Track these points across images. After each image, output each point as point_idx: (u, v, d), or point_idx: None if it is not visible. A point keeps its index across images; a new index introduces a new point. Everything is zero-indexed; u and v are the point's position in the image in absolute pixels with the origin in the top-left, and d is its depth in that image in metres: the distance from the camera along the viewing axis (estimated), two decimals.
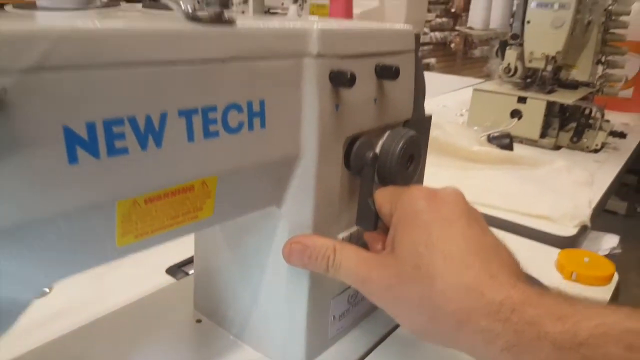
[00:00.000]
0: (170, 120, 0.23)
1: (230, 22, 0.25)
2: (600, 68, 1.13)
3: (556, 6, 0.96)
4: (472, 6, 1.54)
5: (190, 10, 0.23)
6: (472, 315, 0.24)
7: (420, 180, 0.43)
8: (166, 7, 0.73)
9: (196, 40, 0.23)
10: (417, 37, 0.38)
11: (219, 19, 0.24)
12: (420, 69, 0.40)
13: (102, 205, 0.22)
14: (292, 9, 1.26)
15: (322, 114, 0.30)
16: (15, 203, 0.19)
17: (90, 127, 0.20)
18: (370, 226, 0.34)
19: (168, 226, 0.25)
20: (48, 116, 0.19)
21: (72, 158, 0.20)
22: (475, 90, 1.05)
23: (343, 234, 0.36)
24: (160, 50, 0.22)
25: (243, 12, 0.47)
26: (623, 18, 1.09)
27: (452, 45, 4.72)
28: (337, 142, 0.32)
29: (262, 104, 0.27)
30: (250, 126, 0.27)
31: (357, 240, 0.37)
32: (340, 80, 0.30)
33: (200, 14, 0.24)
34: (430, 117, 0.43)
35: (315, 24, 0.29)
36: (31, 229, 0.20)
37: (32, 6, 0.64)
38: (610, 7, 1.06)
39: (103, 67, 0.20)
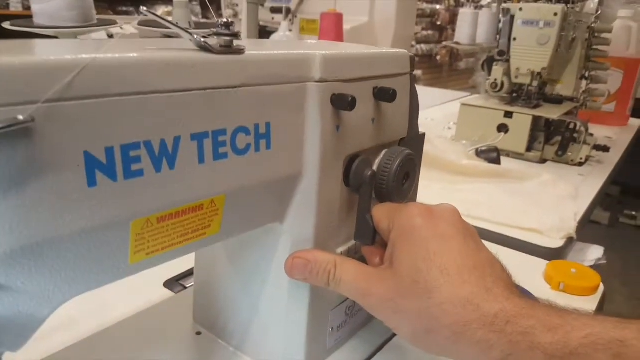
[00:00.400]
0: (183, 144, 0.24)
1: (240, 51, 0.26)
2: (584, 83, 1.17)
3: (541, 24, 0.99)
4: (458, 22, 1.59)
5: (202, 40, 0.24)
6: (468, 327, 0.26)
7: (414, 195, 0.45)
8: (161, 26, 0.74)
9: (208, 69, 0.24)
10: (412, 59, 0.40)
11: (229, 48, 0.25)
12: (414, 89, 0.42)
13: (118, 225, 0.23)
14: (284, 25, 1.29)
15: (323, 134, 0.32)
16: (37, 223, 0.20)
17: (109, 152, 0.21)
18: (369, 241, 0.35)
19: (178, 244, 0.26)
20: (70, 142, 0.20)
21: (92, 181, 0.21)
22: (463, 104, 1.08)
23: (342, 248, 0.37)
24: (175, 79, 0.23)
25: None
26: (605, 35, 1.13)
27: (438, 57, 4.80)
28: (337, 161, 0.34)
29: (267, 126, 0.28)
30: (257, 148, 0.28)
31: (355, 254, 0.38)
32: (341, 103, 0.31)
33: (211, 43, 0.25)
34: (423, 135, 0.44)
35: (318, 50, 0.31)
36: (51, 248, 0.21)
37: (30, 23, 0.64)
38: (593, 25, 1.10)
39: (121, 96, 0.21)
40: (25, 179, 0.19)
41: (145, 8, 0.23)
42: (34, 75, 0.19)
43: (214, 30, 0.26)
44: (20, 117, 0.18)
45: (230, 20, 0.25)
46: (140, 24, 0.70)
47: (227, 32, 0.25)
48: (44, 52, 0.21)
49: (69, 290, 0.23)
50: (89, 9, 0.63)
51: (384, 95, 0.35)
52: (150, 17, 0.23)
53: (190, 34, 0.24)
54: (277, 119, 0.29)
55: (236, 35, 0.26)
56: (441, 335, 0.27)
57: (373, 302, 0.30)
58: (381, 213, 0.34)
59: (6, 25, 0.61)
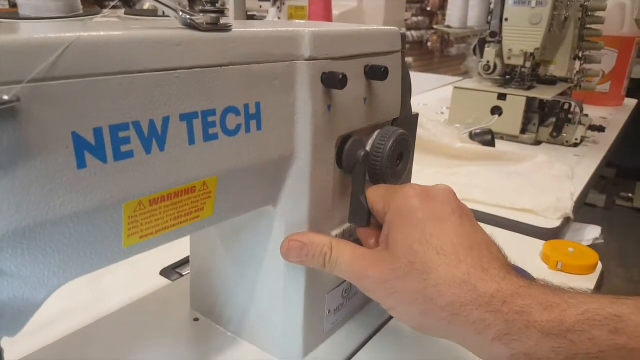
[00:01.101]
0: (173, 125, 0.24)
1: (227, 28, 0.26)
2: (577, 63, 1.17)
3: (533, 3, 0.99)
4: (449, 5, 1.57)
5: (188, 18, 0.24)
6: (465, 308, 0.26)
7: (408, 177, 0.45)
8: (149, 14, 0.73)
9: (195, 47, 0.24)
10: (404, 37, 0.39)
11: (215, 26, 0.25)
12: (406, 68, 0.41)
13: (110, 208, 0.22)
14: (272, 11, 1.28)
15: (315, 114, 0.31)
16: (27, 206, 0.20)
17: (98, 133, 0.21)
18: (363, 222, 0.35)
19: (171, 227, 0.26)
20: (57, 123, 0.20)
21: (81, 163, 0.21)
22: (456, 88, 1.08)
23: (336, 231, 0.37)
24: (161, 58, 0.23)
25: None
26: (599, 13, 1.12)
27: (429, 43, 4.78)
28: (329, 142, 0.34)
29: (257, 106, 0.28)
30: (248, 128, 0.28)
31: (349, 236, 0.38)
32: (332, 81, 0.31)
33: (197, 20, 0.25)
34: (417, 115, 0.44)
35: (307, 27, 0.30)
36: (43, 231, 0.21)
37: (16, 15, 0.64)
38: (586, 3, 1.09)
39: (108, 75, 0.21)
40: (14, 161, 0.19)
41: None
42: (18, 54, 0.18)
43: (201, 7, 0.25)
44: (5, 97, 0.18)
45: None
46: (127, 13, 0.69)
47: (213, 8, 0.25)
48: (27, 31, 0.21)
49: (64, 275, 0.22)
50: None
51: (375, 73, 0.34)
52: None
53: (176, 11, 0.24)
54: (267, 98, 0.29)
55: (222, 12, 0.25)
56: (437, 316, 0.27)
57: (369, 284, 0.30)
58: (376, 194, 0.34)
59: None
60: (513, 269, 0.28)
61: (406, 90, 0.42)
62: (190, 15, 0.24)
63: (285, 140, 0.31)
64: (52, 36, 0.19)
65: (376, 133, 0.37)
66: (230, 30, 0.26)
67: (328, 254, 0.32)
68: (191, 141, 0.25)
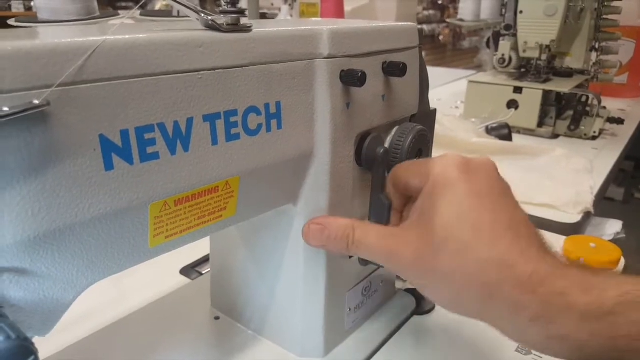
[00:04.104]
0: (196, 125, 0.24)
1: (247, 28, 0.26)
2: (594, 55, 1.15)
3: None
4: None
5: (209, 19, 0.24)
6: (501, 287, 0.24)
7: None
8: (164, 14, 0.73)
9: (216, 48, 0.24)
10: (421, 32, 0.39)
11: (236, 26, 0.25)
12: (423, 63, 0.41)
13: (136, 208, 0.23)
14: (284, 9, 1.28)
15: (334, 112, 0.31)
16: (57, 207, 0.20)
17: (124, 135, 0.21)
18: (383, 220, 0.35)
19: (195, 226, 0.26)
20: (85, 125, 0.20)
21: (108, 165, 0.21)
22: (471, 82, 1.07)
23: None
24: (184, 60, 0.23)
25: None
26: (615, 3, 1.10)
27: (441, 37, 4.74)
28: (348, 139, 0.34)
29: (278, 105, 0.28)
30: (268, 128, 0.28)
31: None
32: (350, 79, 0.31)
33: (219, 22, 0.25)
34: (435, 111, 0.44)
35: (325, 26, 0.30)
36: (72, 233, 0.21)
37: (35, 19, 0.64)
38: None
39: (133, 77, 0.21)
40: (44, 164, 0.19)
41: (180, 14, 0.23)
42: (47, 59, 0.19)
43: (221, 8, 0.25)
44: (36, 102, 0.18)
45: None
46: (143, 14, 0.70)
47: (233, 9, 0.25)
48: (54, 36, 0.21)
49: (92, 275, 0.23)
50: (92, 1, 0.63)
51: (393, 69, 0.34)
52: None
53: (198, 12, 0.24)
54: (287, 97, 0.29)
55: (243, 13, 0.25)
56: (472, 295, 0.26)
57: (400, 262, 0.29)
58: (412, 171, 0.32)
59: (11, 22, 0.61)
60: (551, 250, 0.27)
61: (424, 85, 0.41)
62: (211, 16, 0.25)
63: (305, 139, 0.31)
64: (79, 40, 0.20)
65: (395, 129, 0.37)
66: (250, 30, 0.26)
67: (351, 235, 0.30)
68: (214, 141, 0.25)
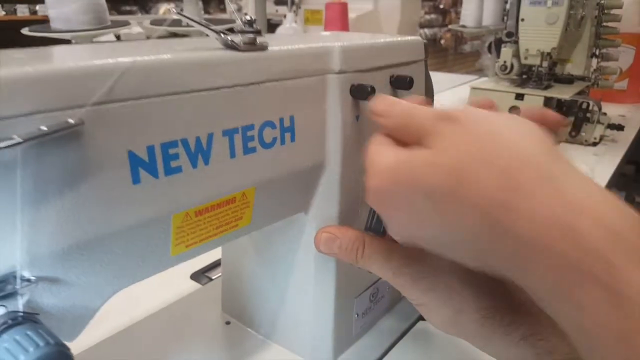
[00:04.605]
0: (216, 140, 0.25)
1: (264, 47, 0.27)
2: (594, 61, 1.16)
3: (549, 3, 0.98)
4: (464, 5, 1.57)
5: (229, 39, 0.25)
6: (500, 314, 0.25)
7: None
8: (174, 24, 0.75)
9: (236, 66, 0.25)
10: (426, 46, 0.40)
11: (253, 45, 0.26)
12: (429, 76, 0.42)
13: (160, 219, 0.24)
14: (290, 16, 1.29)
15: (344, 125, 0.33)
16: (89, 220, 0.21)
17: (150, 150, 0.22)
18: (381, 229, 0.36)
19: (213, 235, 0.28)
20: (115, 142, 0.21)
21: (136, 179, 0.22)
22: (473, 88, 1.08)
23: None
24: (206, 78, 0.24)
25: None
26: (615, 11, 1.11)
27: (443, 41, 4.76)
28: (358, 150, 0.35)
29: (291, 119, 0.29)
30: (282, 141, 0.29)
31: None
32: (360, 93, 0.32)
33: (237, 41, 0.26)
34: None
35: (336, 42, 0.31)
36: (101, 243, 0.22)
37: (47, 27, 0.66)
38: (602, 1, 1.09)
39: (160, 96, 0.22)
40: (77, 180, 0.20)
41: (173, 8, 0.24)
42: (81, 80, 0.20)
43: (239, 28, 0.27)
44: (71, 121, 0.19)
45: (252, 18, 0.26)
46: (153, 23, 0.71)
47: (250, 29, 0.26)
48: (85, 56, 0.22)
49: (118, 283, 0.24)
50: (103, 11, 0.64)
51: (401, 83, 0.35)
52: (179, 17, 0.24)
53: (218, 32, 0.25)
54: (300, 111, 0.30)
55: (259, 32, 0.27)
56: (471, 316, 0.27)
57: (404, 282, 0.29)
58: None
59: (25, 31, 0.63)
60: None
61: (429, 96, 0.43)
62: (230, 35, 0.26)
63: (316, 150, 0.32)
64: (111, 61, 0.21)
65: None
66: (267, 49, 0.27)
67: (360, 249, 0.31)
68: (232, 155, 0.26)
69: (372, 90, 0.32)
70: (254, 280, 0.42)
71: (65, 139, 0.20)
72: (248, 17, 0.26)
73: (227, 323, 0.44)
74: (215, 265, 0.54)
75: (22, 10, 3.03)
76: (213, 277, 0.52)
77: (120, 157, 0.21)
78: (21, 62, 0.21)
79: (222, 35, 0.25)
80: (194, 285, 0.52)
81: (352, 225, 0.37)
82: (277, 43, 0.30)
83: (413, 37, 0.39)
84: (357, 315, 0.41)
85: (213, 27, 0.25)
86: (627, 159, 1.01)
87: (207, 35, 0.26)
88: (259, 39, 0.27)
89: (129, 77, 0.21)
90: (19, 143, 0.18)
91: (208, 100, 0.24)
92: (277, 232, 0.38)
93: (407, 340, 0.43)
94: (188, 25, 0.37)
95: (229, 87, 0.25)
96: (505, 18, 1.10)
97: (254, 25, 0.26)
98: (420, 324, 0.45)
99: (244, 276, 0.42)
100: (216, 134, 0.25)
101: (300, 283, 0.38)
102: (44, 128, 0.19)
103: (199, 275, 0.53)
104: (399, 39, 0.38)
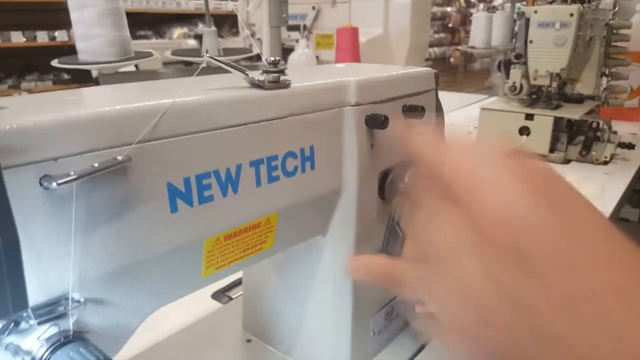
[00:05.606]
0: (244, 171, 0.27)
1: (287, 85, 0.29)
2: (604, 80, 1.17)
3: (557, 25, 1.00)
4: (473, 27, 1.61)
5: (255, 79, 0.28)
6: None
7: None
8: (193, 54, 0.79)
9: (262, 104, 0.28)
10: (437, 76, 0.43)
11: (277, 84, 0.29)
12: (439, 103, 0.44)
13: (194, 244, 0.26)
14: (302, 42, 1.33)
15: (360, 153, 0.35)
16: (132, 246, 0.24)
17: (187, 182, 0.25)
18: (397, 251, 0.38)
19: (240, 258, 0.30)
20: (156, 175, 0.24)
21: (174, 208, 0.24)
22: (483, 109, 1.10)
23: None
24: (236, 115, 0.26)
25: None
26: (624, 31, 1.13)
27: (452, 59, 4.81)
28: (373, 176, 0.37)
29: (311, 149, 0.32)
30: (303, 169, 0.31)
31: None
32: (375, 123, 0.34)
33: (262, 79, 0.28)
34: None
35: (352, 77, 0.34)
36: (142, 267, 0.24)
37: (75, 59, 0.69)
38: (611, 22, 1.10)
39: (195, 133, 0.25)
40: (122, 210, 0.23)
41: (208, 54, 0.27)
42: (127, 120, 0.22)
43: (264, 68, 0.29)
44: (119, 158, 0.22)
45: (277, 59, 0.29)
46: (174, 54, 0.75)
47: (275, 69, 0.29)
48: (128, 98, 0.25)
49: (155, 303, 0.26)
50: (128, 43, 0.68)
51: (413, 112, 0.38)
52: (213, 61, 0.27)
53: (246, 74, 0.28)
54: (319, 142, 0.32)
55: (282, 72, 0.29)
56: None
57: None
58: None
59: (54, 63, 0.67)
60: None
61: (440, 122, 0.45)
62: (256, 75, 0.28)
63: (334, 177, 0.34)
64: (152, 103, 0.23)
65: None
66: (289, 86, 0.29)
67: (394, 277, 0.29)
68: (258, 184, 0.28)
69: (386, 119, 0.34)
70: (274, 299, 0.44)
71: (113, 174, 0.22)
72: (273, 58, 0.29)
73: (248, 341, 0.46)
74: (236, 284, 0.56)
75: (42, 37, 3.12)
76: (233, 297, 0.54)
77: (160, 188, 0.24)
78: (74, 104, 0.23)
79: (250, 75, 0.28)
80: (215, 304, 0.54)
81: (367, 245, 0.39)
82: (298, 79, 0.32)
83: (425, 68, 0.41)
84: (373, 333, 0.42)
85: (242, 69, 0.28)
86: None
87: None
88: (282, 78, 0.29)
89: (168, 117, 0.24)
90: (75, 179, 0.21)
91: (237, 135, 0.27)
92: (297, 254, 0.40)
93: (422, 357, 0.44)
94: (237, 68, 0.40)
95: (255, 122, 0.27)
96: (514, 40, 1.13)
97: (278, 65, 0.29)
98: (434, 341, 0.46)
99: (264, 296, 0.44)
100: (244, 165, 0.27)
101: (319, 302, 0.40)
102: (96, 165, 0.21)
103: (220, 295, 0.55)
104: (410, 70, 0.40)
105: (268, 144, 0.29)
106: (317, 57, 1.33)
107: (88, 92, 0.27)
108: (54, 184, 0.20)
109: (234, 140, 0.27)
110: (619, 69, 1.16)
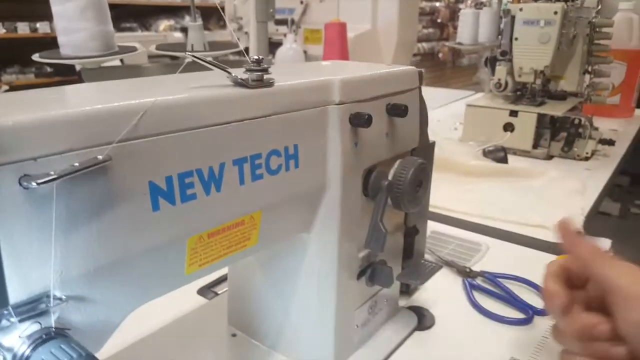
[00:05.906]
0: (227, 169, 0.28)
1: (270, 83, 0.30)
2: (587, 77, 1.19)
3: (542, 23, 1.02)
4: (460, 23, 1.61)
5: (238, 78, 0.28)
6: None
7: (426, 199, 0.48)
8: (178, 48, 0.78)
9: (245, 102, 0.28)
10: (420, 74, 0.43)
11: (260, 82, 0.29)
12: (423, 101, 0.45)
13: (177, 242, 0.26)
14: (290, 37, 1.33)
15: (344, 151, 0.35)
16: (113, 244, 0.24)
17: (169, 180, 0.25)
18: (379, 247, 0.39)
19: (224, 255, 0.30)
20: (138, 174, 0.24)
21: (155, 206, 0.25)
22: (468, 105, 1.11)
23: (363, 253, 0.41)
24: (219, 114, 0.27)
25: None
26: (606, 29, 1.15)
27: (440, 55, 4.83)
28: (356, 174, 0.37)
29: (295, 147, 0.32)
30: (287, 167, 0.32)
31: (375, 257, 0.42)
32: (358, 121, 0.35)
33: (245, 78, 0.29)
34: (433, 143, 0.48)
35: (336, 75, 0.34)
36: (123, 265, 0.25)
37: (57, 54, 0.68)
38: (593, 20, 1.12)
39: (177, 132, 0.25)
40: (104, 209, 0.23)
41: (190, 53, 0.27)
42: (108, 119, 0.22)
43: (247, 66, 0.29)
44: (100, 157, 0.22)
45: (260, 57, 0.29)
46: (159, 48, 0.74)
47: (258, 67, 0.29)
48: (109, 97, 0.25)
49: (136, 300, 0.26)
50: (111, 37, 0.67)
51: (396, 111, 0.38)
52: (192, 58, 0.27)
53: (229, 72, 0.28)
54: (303, 140, 0.33)
55: (266, 70, 0.29)
56: None
57: None
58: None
59: (36, 57, 0.66)
60: None
61: (423, 121, 0.45)
62: (240, 74, 0.28)
63: (318, 175, 0.35)
64: (134, 102, 0.23)
65: (397, 163, 0.41)
66: (273, 85, 0.30)
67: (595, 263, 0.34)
68: (242, 182, 0.29)
69: (370, 118, 0.34)
70: (259, 294, 0.44)
71: (94, 173, 0.22)
72: (256, 57, 0.29)
73: (233, 335, 0.46)
74: (221, 280, 0.56)
75: (23, 28, 3.05)
76: (219, 292, 0.54)
77: (142, 187, 0.24)
78: (54, 103, 0.23)
79: (233, 74, 0.28)
80: (201, 300, 0.54)
81: (351, 242, 0.39)
82: (282, 77, 0.32)
83: (408, 67, 0.42)
84: (357, 326, 0.43)
85: (225, 67, 0.28)
86: (622, 170, 1.03)
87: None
88: (265, 76, 0.30)
89: (150, 116, 0.24)
90: (55, 179, 0.21)
91: (220, 133, 0.27)
92: (282, 249, 0.40)
93: (405, 349, 0.45)
94: (219, 66, 0.40)
95: (238, 121, 0.28)
96: (500, 37, 1.14)
97: (261, 64, 0.29)
98: (416, 333, 0.47)
99: (250, 291, 0.45)
100: (227, 164, 0.27)
101: (304, 297, 0.40)
102: (76, 164, 0.21)
103: (205, 290, 0.55)
104: (395, 69, 0.40)
105: (251, 142, 0.29)
106: (305, 52, 1.33)
107: (68, 91, 0.26)
108: (34, 183, 0.20)
109: (216, 139, 0.27)
110: (602, 67, 1.18)
